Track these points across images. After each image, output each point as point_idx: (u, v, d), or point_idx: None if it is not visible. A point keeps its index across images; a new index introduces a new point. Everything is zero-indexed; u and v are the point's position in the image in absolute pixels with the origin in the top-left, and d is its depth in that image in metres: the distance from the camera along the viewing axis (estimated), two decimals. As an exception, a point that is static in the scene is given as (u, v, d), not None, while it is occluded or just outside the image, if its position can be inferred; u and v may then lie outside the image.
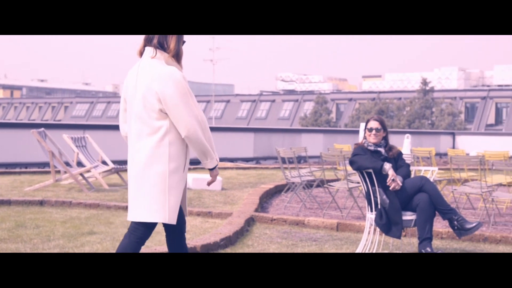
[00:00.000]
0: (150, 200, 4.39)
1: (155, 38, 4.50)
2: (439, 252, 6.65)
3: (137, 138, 4.46)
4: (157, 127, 4.39)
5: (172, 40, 4.50)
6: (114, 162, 12.88)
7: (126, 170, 13.31)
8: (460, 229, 6.84)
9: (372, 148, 7.08)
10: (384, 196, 6.80)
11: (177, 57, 4.54)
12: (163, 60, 4.49)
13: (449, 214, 6.84)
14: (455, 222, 6.84)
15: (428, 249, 6.68)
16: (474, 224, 6.81)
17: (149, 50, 4.51)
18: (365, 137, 7.18)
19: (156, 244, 7.14)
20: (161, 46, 4.49)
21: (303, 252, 7.12)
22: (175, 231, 4.62)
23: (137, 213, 4.44)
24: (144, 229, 4.50)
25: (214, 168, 4.63)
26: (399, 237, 6.78)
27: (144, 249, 6.64)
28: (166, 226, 4.62)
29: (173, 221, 4.44)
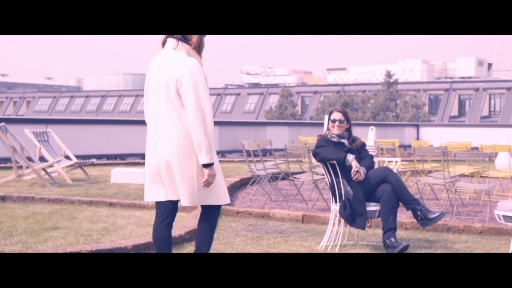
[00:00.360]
0: (184, 187, 4.67)
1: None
2: (403, 242, 6.70)
3: (164, 125, 4.66)
4: (181, 114, 4.62)
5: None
6: (77, 156, 12.76)
7: (89, 165, 13.21)
8: (423, 219, 6.90)
9: (335, 139, 7.10)
10: (348, 188, 6.83)
11: (198, 49, 4.76)
12: (185, 51, 4.70)
13: (412, 204, 6.90)
14: (419, 212, 6.90)
15: (392, 240, 6.73)
16: (437, 214, 6.88)
17: (171, 41, 4.72)
18: (328, 129, 7.20)
19: (120, 238, 7.10)
20: (184, 38, 4.72)
21: (269, 243, 7.13)
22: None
23: (181, 198, 4.71)
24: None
25: (208, 166, 4.64)
26: (363, 228, 6.82)
27: (110, 244, 6.60)
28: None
29: (202, 202, 4.78)
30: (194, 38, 4.72)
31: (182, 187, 4.67)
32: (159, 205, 4.88)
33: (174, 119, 4.63)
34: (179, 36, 4.70)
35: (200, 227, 4.97)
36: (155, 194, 4.82)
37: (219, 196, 4.81)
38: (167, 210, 4.88)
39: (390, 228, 6.79)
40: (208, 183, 4.68)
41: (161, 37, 4.84)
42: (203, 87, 4.60)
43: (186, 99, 4.56)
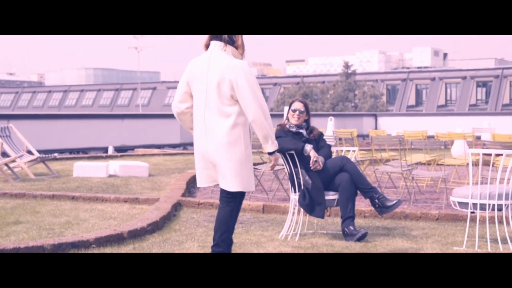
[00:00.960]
0: (234, 175, 5.12)
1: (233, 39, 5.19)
2: (362, 230, 6.86)
3: (212, 119, 5.14)
4: (229, 112, 5.10)
5: (238, 36, 5.23)
6: (39, 151, 12.72)
7: (52, 159, 13.17)
8: (381, 207, 7.07)
9: (294, 129, 7.22)
10: (307, 177, 6.97)
11: (242, 50, 5.24)
12: (231, 52, 5.18)
13: (370, 192, 7.07)
14: (376, 200, 7.07)
15: (351, 228, 6.89)
16: (394, 202, 7.05)
17: (218, 44, 5.18)
18: (287, 118, 7.31)
19: (83, 231, 7.14)
20: (231, 40, 5.18)
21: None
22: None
23: (226, 184, 5.18)
24: (233, 199, 5.31)
25: (274, 152, 5.31)
26: (322, 216, 6.97)
27: (72, 237, 6.65)
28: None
29: (252, 188, 5.31)
30: (239, 41, 5.21)
31: (231, 175, 5.15)
32: (222, 191, 5.36)
33: (222, 115, 5.11)
34: (226, 38, 5.16)
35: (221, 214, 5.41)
36: (206, 180, 5.36)
37: (253, 183, 5.36)
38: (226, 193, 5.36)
39: (348, 216, 6.95)
40: (274, 166, 5.42)
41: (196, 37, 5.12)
42: (257, 86, 5.14)
43: (246, 99, 5.07)
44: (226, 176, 5.18)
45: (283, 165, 9.68)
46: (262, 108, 5.13)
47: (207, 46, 5.27)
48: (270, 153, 5.32)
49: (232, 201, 5.33)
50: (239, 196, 5.34)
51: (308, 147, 6.98)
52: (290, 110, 7.27)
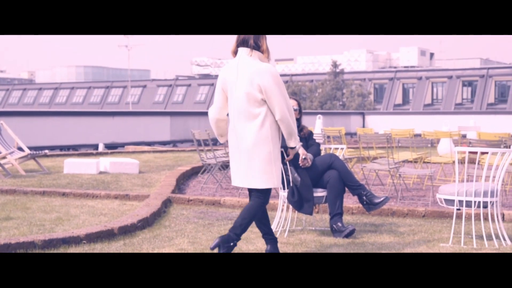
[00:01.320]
0: (263, 172, 5.49)
1: (251, 39, 5.50)
2: (350, 227, 6.96)
3: (242, 122, 5.49)
4: (257, 113, 5.43)
5: (263, 40, 5.55)
6: (30, 148, 12.75)
7: (42, 156, 13.21)
8: (369, 203, 7.17)
9: None
10: (296, 174, 7.05)
11: (268, 54, 5.55)
12: (257, 57, 5.50)
13: (358, 190, 7.17)
14: (364, 198, 7.17)
15: (339, 224, 6.99)
16: (382, 199, 7.16)
17: (245, 50, 5.51)
18: None
19: (74, 227, 7.21)
20: (257, 46, 5.49)
21: (219, 230, 7.33)
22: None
23: (255, 182, 5.54)
24: (263, 195, 5.68)
25: (294, 148, 5.76)
26: (311, 213, 7.06)
27: (63, 233, 6.71)
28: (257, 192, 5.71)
29: (279, 184, 5.71)
30: (264, 45, 5.53)
31: (261, 172, 5.52)
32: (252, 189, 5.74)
33: (250, 117, 5.47)
34: (252, 44, 5.48)
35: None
36: (241, 181, 5.67)
37: (280, 180, 5.76)
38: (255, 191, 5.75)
39: (337, 213, 7.05)
40: (291, 159, 5.96)
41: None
42: (283, 86, 5.50)
43: (274, 100, 5.42)
44: (255, 174, 5.54)
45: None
46: (288, 107, 5.48)
47: (235, 53, 5.62)
48: (291, 148, 5.77)
49: (262, 196, 5.71)
50: (268, 192, 5.73)
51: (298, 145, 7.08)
52: None
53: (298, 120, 7.39)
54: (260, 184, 5.56)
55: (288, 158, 5.96)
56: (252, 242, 6.68)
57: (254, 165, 5.52)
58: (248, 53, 5.52)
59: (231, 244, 5.64)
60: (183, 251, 6.21)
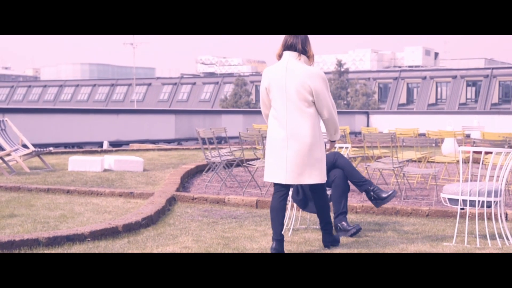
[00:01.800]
0: (315, 168, 5.91)
1: (299, 44, 5.86)
2: (356, 226, 6.96)
3: (294, 122, 5.82)
4: (309, 113, 5.82)
5: (310, 45, 5.94)
6: (34, 145, 12.78)
7: (47, 153, 13.24)
8: (376, 198, 7.15)
9: None
10: None
11: (313, 59, 5.96)
12: (304, 61, 5.88)
13: (364, 185, 7.16)
14: (372, 193, 7.16)
15: (344, 223, 6.99)
16: (389, 193, 7.13)
17: (293, 54, 5.87)
18: None
19: (78, 225, 7.23)
20: (304, 50, 5.87)
21: (224, 228, 7.34)
22: (322, 188, 6.24)
23: (309, 179, 5.95)
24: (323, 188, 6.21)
25: (334, 141, 6.33)
26: (315, 212, 7.07)
27: (67, 230, 6.73)
28: (315, 186, 6.21)
29: (325, 179, 6.11)
30: (310, 50, 5.91)
31: (312, 169, 5.92)
32: (279, 184, 6.06)
33: (303, 117, 5.82)
34: (300, 49, 5.85)
35: (323, 202, 6.32)
36: (276, 176, 5.96)
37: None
38: (285, 188, 6.09)
39: (342, 212, 7.05)
40: (329, 151, 6.61)
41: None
42: (329, 90, 5.91)
43: (323, 102, 5.84)
44: (305, 171, 5.92)
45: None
46: (334, 107, 5.95)
47: (280, 56, 5.98)
48: (332, 141, 6.34)
49: (323, 189, 6.25)
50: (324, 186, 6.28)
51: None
52: None
53: None
54: (315, 179, 5.97)
55: (328, 149, 6.49)
56: (256, 241, 6.69)
57: (308, 163, 5.89)
58: (297, 57, 5.88)
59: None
60: (187, 249, 6.23)
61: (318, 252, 6.24)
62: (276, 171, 5.98)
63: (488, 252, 6.21)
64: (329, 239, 6.45)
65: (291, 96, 5.83)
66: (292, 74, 5.84)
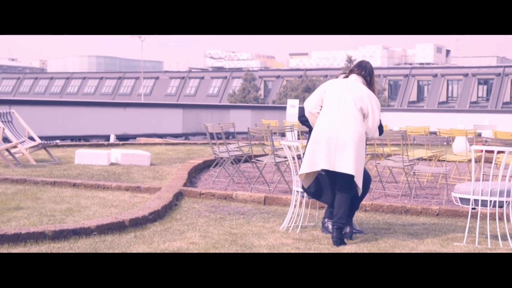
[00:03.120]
0: (358, 165, 6.50)
1: (368, 77, 6.85)
2: (358, 229, 6.90)
3: (347, 122, 6.53)
4: (359, 119, 6.60)
5: (374, 78, 6.94)
6: (41, 138, 12.73)
7: (53, 146, 13.19)
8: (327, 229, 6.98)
9: None
10: None
11: (376, 91, 6.91)
12: (366, 86, 6.80)
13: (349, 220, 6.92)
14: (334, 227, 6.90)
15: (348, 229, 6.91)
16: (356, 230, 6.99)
17: (359, 78, 6.82)
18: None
19: (84, 218, 7.16)
20: (370, 83, 6.85)
21: (231, 224, 7.26)
22: (350, 185, 6.65)
23: (351, 169, 6.44)
24: (351, 186, 6.64)
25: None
26: (328, 202, 6.96)
27: (73, 224, 6.66)
28: (347, 178, 6.60)
29: (358, 175, 6.57)
30: (374, 85, 6.88)
31: (352, 162, 6.43)
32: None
33: (354, 120, 6.56)
34: (368, 80, 6.84)
35: (343, 196, 6.65)
36: (322, 164, 6.52)
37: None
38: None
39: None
40: None
41: None
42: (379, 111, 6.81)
43: (371, 119, 6.67)
44: (354, 164, 6.43)
45: (285, 157, 9.71)
46: (377, 124, 6.76)
47: (346, 75, 6.94)
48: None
49: (349, 188, 6.63)
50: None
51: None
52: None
53: None
54: (354, 171, 6.44)
55: None
56: (264, 238, 6.60)
57: (356, 156, 6.46)
58: (362, 81, 6.81)
59: (347, 230, 6.67)
60: (194, 245, 6.15)
61: (327, 251, 6.15)
62: (323, 159, 6.52)
63: (499, 252, 6.11)
64: (339, 235, 6.46)
65: (350, 104, 6.62)
66: (355, 89, 6.71)
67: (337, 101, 6.69)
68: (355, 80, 6.83)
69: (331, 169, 6.51)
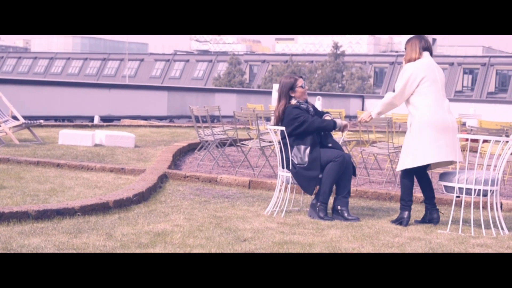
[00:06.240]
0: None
1: (431, 47, 6.92)
2: (355, 217, 6.92)
3: (448, 109, 6.77)
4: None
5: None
6: (24, 117, 12.61)
7: (37, 126, 13.08)
8: (340, 215, 6.99)
9: (304, 106, 7.21)
10: (306, 153, 6.95)
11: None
12: None
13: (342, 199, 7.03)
14: (339, 207, 6.99)
15: (339, 207, 6.94)
16: (353, 218, 6.97)
17: (428, 54, 6.85)
18: (293, 97, 7.19)
19: (68, 199, 7.12)
20: (431, 51, 6.93)
21: (216, 207, 7.25)
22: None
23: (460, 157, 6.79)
24: None
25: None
26: (311, 193, 6.99)
27: (57, 204, 6.62)
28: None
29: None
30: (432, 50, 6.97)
31: (457, 149, 6.69)
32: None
33: (447, 102, 6.84)
34: (431, 50, 6.92)
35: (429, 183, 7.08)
36: (448, 155, 6.70)
37: None
38: None
39: (344, 195, 6.98)
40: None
41: None
42: None
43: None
44: (457, 150, 6.69)
45: (270, 141, 9.70)
46: None
47: (418, 54, 6.83)
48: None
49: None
50: None
51: (338, 121, 7.06)
52: (299, 87, 7.16)
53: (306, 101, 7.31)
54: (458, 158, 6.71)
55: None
56: (248, 221, 6.60)
57: (456, 143, 6.73)
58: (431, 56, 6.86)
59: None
60: (179, 227, 6.13)
61: (311, 236, 6.15)
62: (448, 149, 6.70)
63: (482, 241, 6.15)
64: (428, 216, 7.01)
65: (442, 85, 6.76)
66: (438, 70, 6.79)
67: (436, 86, 6.73)
68: (430, 57, 6.86)
69: (455, 160, 6.69)
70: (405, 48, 7.00)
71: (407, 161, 6.77)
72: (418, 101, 6.74)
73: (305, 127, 6.99)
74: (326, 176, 6.94)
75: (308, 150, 6.94)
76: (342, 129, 7.22)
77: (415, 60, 6.81)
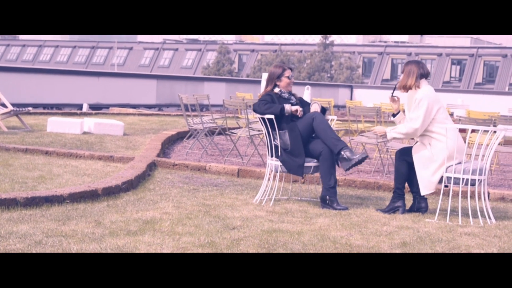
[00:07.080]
0: None
1: (429, 73, 7.12)
2: (362, 154, 6.97)
3: None
4: None
5: None
6: (13, 104, 12.56)
7: (25, 113, 13.04)
8: (347, 159, 6.99)
9: (286, 95, 7.26)
10: (286, 137, 6.99)
11: None
12: None
13: (339, 145, 7.02)
14: (342, 152, 7.00)
15: (348, 154, 6.95)
16: (359, 156, 6.99)
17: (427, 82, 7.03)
18: (277, 85, 7.25)
19: (56, 186, 7.11)
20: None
21: (204, 196, 7.26)
22: None
23: None
24: None
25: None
26: (301, 175, 7.02)
27: (46, 191, 6.61)
28: None
29: None
30: None
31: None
32: None
33: None
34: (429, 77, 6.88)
35: None
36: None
37: None
38: None
39: (332, 186, 6.99)
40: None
41: None
42: None
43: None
44: None
45: (259, 130, 9.71)
46: None
47: (415, 82, 6.95)
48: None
49: None
50: None
51: (287, 106, 7.03)
52: (285, 78, 7.23)
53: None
54: None
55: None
56: (237, 209, 6.61)
57: None
58: None
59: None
60: (168, 215, 6.14)
61: (300, 224, 6.17)
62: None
63: (469, 230, 6.20)
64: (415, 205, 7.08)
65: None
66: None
67: (447, 114, 6.99)
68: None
69: None
70: (402, 71, 7.00)
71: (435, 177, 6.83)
72: (438, 128, 6.81)
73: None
74: (323, 173, 6.98)
75: (286, 135, 7.00)
76: (292, 114, 7.16)
77: (410, 86, 6.93)
